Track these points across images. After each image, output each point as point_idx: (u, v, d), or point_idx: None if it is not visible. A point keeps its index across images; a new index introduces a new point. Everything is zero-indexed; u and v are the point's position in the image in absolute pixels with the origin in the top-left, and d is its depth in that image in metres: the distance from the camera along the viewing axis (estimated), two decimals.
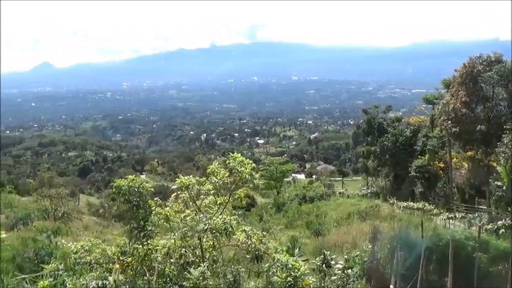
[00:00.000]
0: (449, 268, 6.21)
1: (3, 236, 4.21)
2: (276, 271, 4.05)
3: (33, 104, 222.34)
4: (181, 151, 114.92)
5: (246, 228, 5.06)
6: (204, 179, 5.17)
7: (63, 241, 9.21)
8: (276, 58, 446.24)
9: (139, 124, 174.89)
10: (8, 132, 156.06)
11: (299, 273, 3.94)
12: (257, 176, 5.12)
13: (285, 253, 4.50)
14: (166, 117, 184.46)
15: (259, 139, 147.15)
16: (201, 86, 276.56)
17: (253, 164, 5.10)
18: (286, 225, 21.54)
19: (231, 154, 5.18)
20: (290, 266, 4.05)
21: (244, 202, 5.77)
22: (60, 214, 22.96)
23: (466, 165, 27.76)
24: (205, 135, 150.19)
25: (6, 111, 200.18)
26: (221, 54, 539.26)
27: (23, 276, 4.91)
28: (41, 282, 4.56)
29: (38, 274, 4.99)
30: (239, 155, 5.11)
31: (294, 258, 4.34)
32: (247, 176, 4.97)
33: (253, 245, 4.84)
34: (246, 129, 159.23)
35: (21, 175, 76.97)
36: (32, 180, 65.00)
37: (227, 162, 5.14)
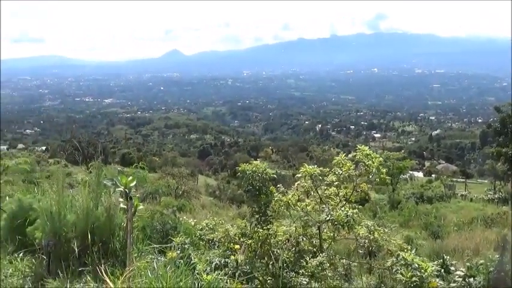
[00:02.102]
0: None
1: (141, 207, 4.58)
2: (400, 269, 3.87)
3: (161, 88, 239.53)
4: (296, 140, 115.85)
5: (368, 223, 4.93)
6: (328, 169, 5.13)
7: (184, 217, 9.75)
8: (399, 49, 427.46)
9: (257, 111, 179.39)
10: (139, 113, 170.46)
11: (426, 274, 3.72)
12: (384, 171, 4.94)
13: (410, 252, 4.28)
14: (282, 105, 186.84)
15: (376, 133, 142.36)
16: (319, 76, 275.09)
17: (380, 159, 4.93)
18: (401, 224, 20.62)
19: (358, 146, 5.05)
20: (416, 265, 3.84)
21: (358, 197, 5.62)
22: (180, 192, 24.57)
23: None
24: (320, 125, 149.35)
25: (138, 93, 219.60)
26: (341, 45, 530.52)
27: (154, 245, 5.32)
28: (170, 253, 4.86)
29: (167, 246, 5.38)
30: (366, 147, 4.97)
31: (420, 258, 4.12)
32: (374, 170, 4.82)
33: (375, 241, 4.69)
34: (362, 122, 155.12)
35: (149, 153, 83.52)
36: (157, 158, 70.46)
37: (353, 154, 5.03)
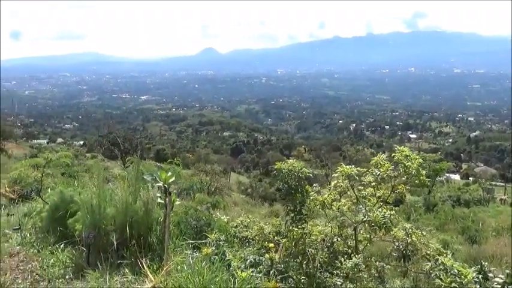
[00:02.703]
0: None
1: (177, 203, 4.64)
2: (439, 274, 3.77)
3: (196, 86, 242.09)
4: (329, 139, 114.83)
5: (406, 225, 4.84)
6: (365, 170, 5.07)
7: (217, 214, 9.82)
8: (437, 48, 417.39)
9: (290, 110, 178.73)
10: (174, 109, 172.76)
11: (466, 280, 3.62)
12: (424, 172, 4.83)
13: (449, 257, 4.18)
14: (316, 104, 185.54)
15: (412, 133, 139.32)
16: (354, 75, 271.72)
17: (420, 160, 4.82)
18: (437, 228, 20.14)
19: (397, 147, 4.96)
20: (455, 271, 3.73)
21: (393, 198, 5.52)
22: (213, 189, 24.77)
23: None
24: (354, 125, 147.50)
25: (173, 90, 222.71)
26: (377, 43, 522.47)
27: (190, 241, 5.38)
28: (205, 249, 4.91)
29: (202, 242, 5.43)
30: (406, 148, 4.87)
31: (458, 263, 4.00)
32: (413, 172, 4.71)
33: (413, 244, 4.60)
34: (397, 122, 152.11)
35: (182, 149, 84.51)
36: (191, 155, 71.28)
37: (392, 155, 4.94)
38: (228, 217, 8.71)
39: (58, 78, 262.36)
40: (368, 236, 4.90)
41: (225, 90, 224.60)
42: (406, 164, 4.67)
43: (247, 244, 5.99)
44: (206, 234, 6.12)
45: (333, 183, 5.11)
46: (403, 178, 4.83)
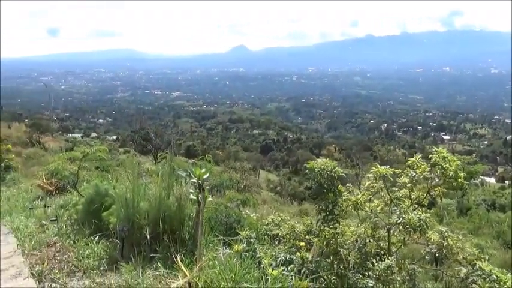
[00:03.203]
0: None
1: (209, 199, 4.67)
2: (477, 280, 3.67)
3: (227, 83, 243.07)
4: (360, 139, 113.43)
5: (442, 228, 4.72)
6: (400, 170, 4.97)
7: (247, 211, 9.84)
8: (474, 48, 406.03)
9: (321, 109, 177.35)
10: (204, 106, 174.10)
11: (505, 286, 3.50)
12: (462, 175, 4.69)
13: (487, 262, 4.05)
14: (347, 103, 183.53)
15: (445, 135, 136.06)
16: (387, 74, 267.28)
17: (458, 162, 4.69)
18: (471, 232, 19.64)
19: (435, 148, 4.84)
20: (494, 277, 3.62)
21: (428, 201, 5.39)
22: (242, 186, 24.85)
23: None
24: (386, 125, 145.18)
25: (204, 87, 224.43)
26: (412, 42, 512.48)
27: (221, 237, 5.41)
28: (236, 246, 4.92)
29: (233, 238, 5.45)
30: (444, 150, 4.75)
31: (498, 269, 3.88)
32: (451, 174, 4.59)
33: (449, 248, 4.48)
34: (431, 123, 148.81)
35: (212, 146, 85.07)
36: (220, 152, 71.73)
37: (429, 156, 4.82)
38: (257, 215, 8.74)
39: (93, 73, 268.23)
40: (402, 238, 4.81)
41: (256, 88, 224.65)
42: (444, 166, 4.56)
43: (277, 242, 5.98)
44: (237, 231, 6.15)
45: (366, 184, 5.04)
46: (440, 180, 4.72)
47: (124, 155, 37.50)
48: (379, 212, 5.04)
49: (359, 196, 4.99)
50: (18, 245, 5.33)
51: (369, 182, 4.99)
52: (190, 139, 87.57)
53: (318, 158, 5.59)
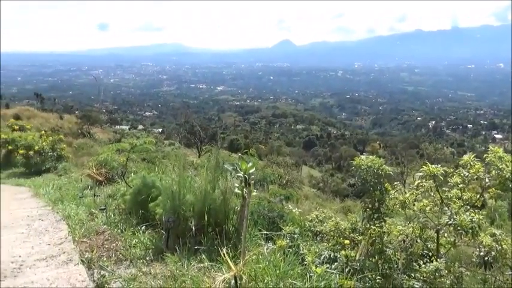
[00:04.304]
0: None
1: (254, 193, 4.67)
2: None
3: (271, 78, 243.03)
4: (406, 136, 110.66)
5: (496, 231, 4.52)
6: (452, 170, 4.79)
7: (289, 206, 9.81)
8: None
9: (365, 105, 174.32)
10: (248, 101, 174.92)
11: None
12: None
13: None
14: (393, 100, 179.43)
15: (497, 133, 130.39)
16: (436, 70, 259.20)
17: None
18: None
19: (490, 148, 4.64)
20: None
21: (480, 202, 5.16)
22: (284, 181, 24.79)
23: None
24: (433, 122, 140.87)
25: (249, 82, 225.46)
26: (463, 37, 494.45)
27: (265, 232, 5.41)
28: (279, 241, 4.91)
29: (276, 233, 5.44)
30: (500, 149, 4.53)
31: None
32: (507, 175, 4.38)
33: (503, 252, 4.28)
34: (482, 121, 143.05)
35: (255, 141, 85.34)
36: (263, 146, 71.89)
37: (484, 156, 4.62)
38: (299, 210, 8.68)
39: (141, 67, 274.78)
40: (452, 240, 4.64)
41: (300, 83, 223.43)
42: (500, 167, 4.35)
43: (320, 239, 5.91)
44: (280, 226, 6.13)
45: (415, 182, 4.88)
46: (494, 181, 4.50)
47: (169, 147, 38.27)
48: (428, 212, 4.88)
49: (407, 195, 4.84)
50: (69, 232, 5.53)
51: (418, 181, 4.83)
52: (234, 133, 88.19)
53: (362, 154, 5.46)
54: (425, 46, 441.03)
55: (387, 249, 4.83)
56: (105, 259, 4.55)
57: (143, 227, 5.46)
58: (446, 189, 4.70)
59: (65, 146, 14.32)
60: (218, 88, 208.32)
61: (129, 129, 74.63)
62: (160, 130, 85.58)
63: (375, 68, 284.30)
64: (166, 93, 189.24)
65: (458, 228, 4.30)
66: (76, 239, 5.22)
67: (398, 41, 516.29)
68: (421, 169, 4.71)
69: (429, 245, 5.07)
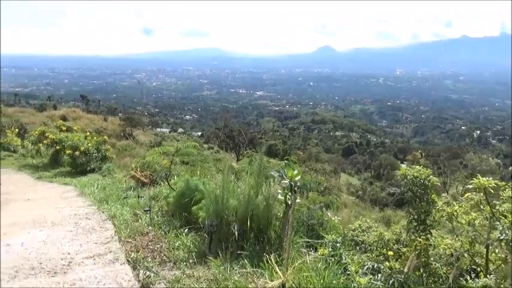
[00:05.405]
0: None
1: (298, 200, 4.65)
2: None
3: (311, 84, 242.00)
4: (449, 146, 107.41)
5: None
6: (504, 183, 4.60)
7: (328, 214, 9.70)
8: None
9: (407, 112, 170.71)
10: (287, 106, 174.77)
11: None
12: None
13: None
14: (437, 108, 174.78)
15: None
16: (482, 78, 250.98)
17: None
18: None
19: None
20: None
21: None
22: (322, 188, 24.55)
23: None
24: (478, 132, 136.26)
25: (288, 87, 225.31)
26: None
27: (307, 239, 5.38)
28: (321, 250, 4.86)
29: (318, 242, 5.39)
30: None
31: None
32: None
33: None
34: None
35: (294, 146, 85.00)
36: (301, 153, 71.53)
37: None
38: (339, 218, 8.58)
39: (182, 71, 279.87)
40: (503, 256, 4.46)
41: (340, 89, 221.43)
42: None
43: (360, 249, 5.82)
44: (321, 233, 6.08)
45: (465, 195, 4.73)
46: None
47: (208, 151, 38.69)
48: (477, 226, 4.71)
49: (456, 207, 4.69)
50: (115, 231, 5.68)
51: (468, 194, 4.68)
52: (272, 138, 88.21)
53: (403, 163, 5.35)
54: (472, 53, 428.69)
55: (433, 263, 4.70)
56: (149, 260, 4.64)
57: (186, 230, 5.54)
58: (497, 202, 4.53)
59: (109, 147, 14.69)
60: (258, 93, 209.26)
61: (170, 132, 76.01)
62: (199, 134, 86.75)
63: (417, 75, 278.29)
64: (206, 97, 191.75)
65: (511, 244, 4.13)
66: (122, 238, 5.34)
67: (442, 47, 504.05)
68: (471, 181, 4.56)
69: (477, 260, 4.90)
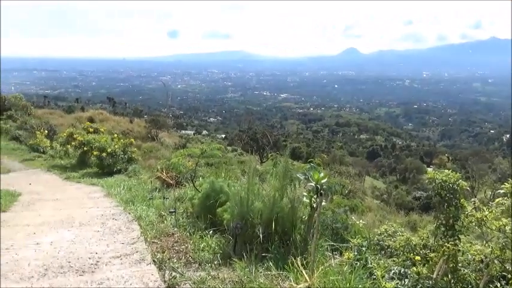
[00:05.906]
0: None
1: (324, 203, 4.62)
2: None
3: (336, 86, 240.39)
4: (477, 150, 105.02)
5: None
6: None
7: (353, 217, 9.61)
8: None
9: (434, 115, 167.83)
10: (311, 109, 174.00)
11: None
12: None
13: None
14: (464, 111, 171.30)
15: None
16: None
17: None
18: None
19: None
20: None
21: None
22: (346, 191, 24.31)
23: None
24: (508, 135, 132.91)
25: (312, 90, 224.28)
26: None
27: (332, 243, 5.34)
28: (347, 254, 4.82)
29: (343, 245, 5.35)
30: None
31: None
32: None
33: None
34: None
35: (318, 149, 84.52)
36: (325, 155, 71.03)
37: None
38: (364, 222, 8.49)
39: (207, 74, 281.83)
40: None
41: (365, 92, 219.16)
42: None
43: (385, 253, 5.73)
44: (346, 237, 6.02)
45: (496, 200, 4.62)
46: None
47: (231, 153, 38.79)
48: (508, 232, 4.59)
49: (486, 212, 4.58)
50: (141, 232, 5.75)
51: (499, 199, 4.57)
52: (296, 141, 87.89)
53: (429, 167, 5.26)
54: (501, 55, 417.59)
55: (462, 269, 4.60)
56: (175, 260, 4.69)
57: (211, 231, 5.57)
58: None
59: (135, 149, 14.92)
60: (282, 95, 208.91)
61: (194, 134, 76.60)
62: (223, 136, 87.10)
63: (444, 78, 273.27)
64: (230, 100, 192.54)
65: None
66: (148, 239, 5.41)
67: (471, 49, 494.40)
68: (502, 186, 4.45)
69: (508, 267, 4.77)
